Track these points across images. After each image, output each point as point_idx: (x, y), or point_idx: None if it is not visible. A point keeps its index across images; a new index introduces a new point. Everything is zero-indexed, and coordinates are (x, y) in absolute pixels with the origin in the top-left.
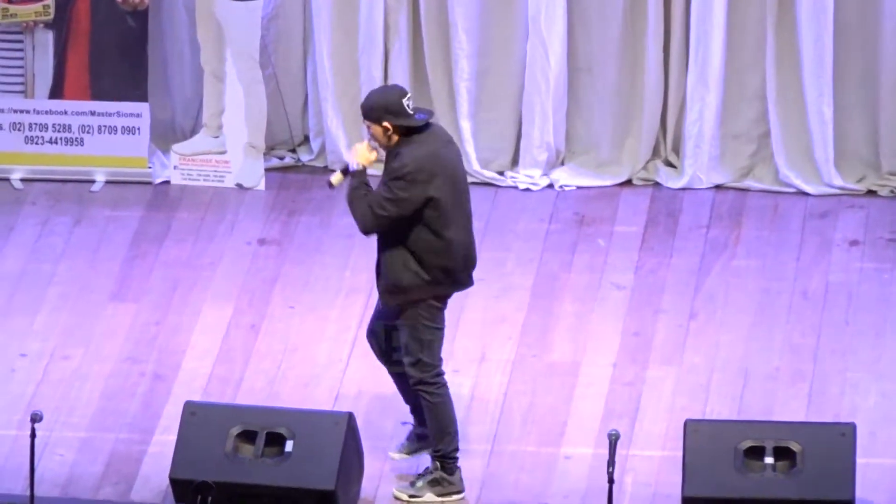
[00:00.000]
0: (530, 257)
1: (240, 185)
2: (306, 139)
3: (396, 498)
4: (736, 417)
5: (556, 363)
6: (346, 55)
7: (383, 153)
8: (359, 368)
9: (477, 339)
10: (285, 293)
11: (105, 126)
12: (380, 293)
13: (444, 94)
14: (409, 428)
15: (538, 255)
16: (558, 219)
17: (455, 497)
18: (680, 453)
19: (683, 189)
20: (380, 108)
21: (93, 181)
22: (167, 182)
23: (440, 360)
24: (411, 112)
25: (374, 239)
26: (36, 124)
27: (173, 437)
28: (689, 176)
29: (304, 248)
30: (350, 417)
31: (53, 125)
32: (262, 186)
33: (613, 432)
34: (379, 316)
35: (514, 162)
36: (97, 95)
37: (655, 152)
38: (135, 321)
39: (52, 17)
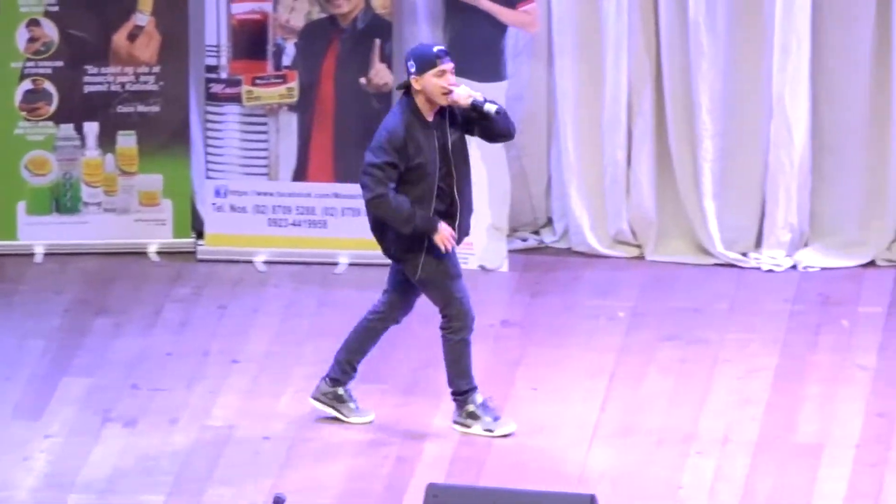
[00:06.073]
0: (774, 338)
1: (483, 267)
2: (549, 221)
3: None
4: None
5: (799, 444)
6: (590, 136)
7: None
8: (603, 450)
9: (721, 420)
10: (528, 375)
11: (348, 208)
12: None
13: (687, 174)
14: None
15: (782, 336)
16: (802, 299)
17: None
18: None
19: None
20: None
21: (336, 263)
22: None
23: None
24: None
25: None
26: (279, 207)
27: None
28: None
29: (548, 329)
30: (592, 500)
31: (297, 207)
32: (505, 268)
33: None
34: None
35: (758, 243)
36: (341, 177)
37: None
38: (380, 403)
39: (296, 99)
